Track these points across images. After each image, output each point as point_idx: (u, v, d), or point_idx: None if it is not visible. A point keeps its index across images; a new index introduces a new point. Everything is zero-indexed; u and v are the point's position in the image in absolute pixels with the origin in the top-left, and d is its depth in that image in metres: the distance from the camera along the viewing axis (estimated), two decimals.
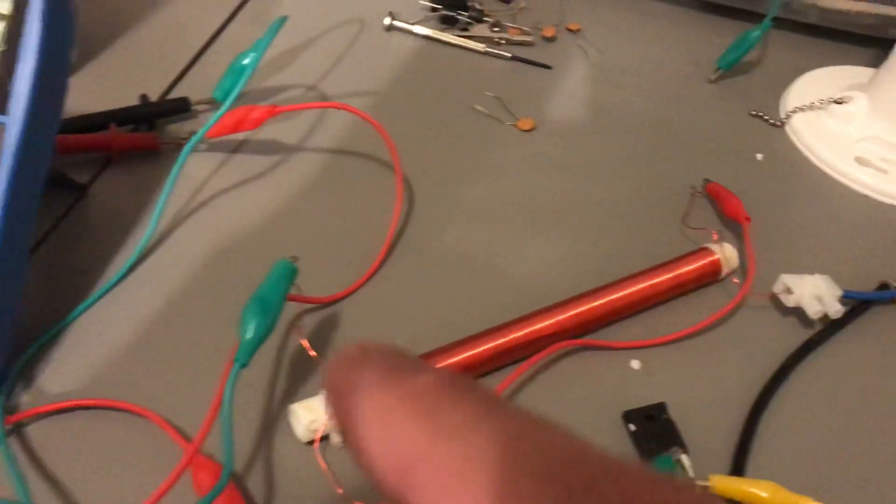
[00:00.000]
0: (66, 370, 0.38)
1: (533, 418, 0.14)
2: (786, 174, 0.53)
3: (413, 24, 0.59)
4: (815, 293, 0.43)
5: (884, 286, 0.45)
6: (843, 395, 0.41)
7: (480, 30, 0.60)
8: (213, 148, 0.49)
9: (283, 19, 0.46)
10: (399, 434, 0.13)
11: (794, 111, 0.56)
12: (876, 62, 0.56)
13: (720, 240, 0.45)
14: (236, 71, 0.48)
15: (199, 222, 0.45)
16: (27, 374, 0.38)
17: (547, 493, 0.12)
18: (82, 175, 0.46)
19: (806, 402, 0.41)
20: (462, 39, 0.59)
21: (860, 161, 0.53)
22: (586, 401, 0.40)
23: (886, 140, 0.53)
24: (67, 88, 0.38)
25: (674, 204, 0.49)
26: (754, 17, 0.62)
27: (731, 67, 0.59)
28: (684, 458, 0.37)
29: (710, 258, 0.44)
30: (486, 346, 0.40)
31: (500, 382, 0.39)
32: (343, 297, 0.42)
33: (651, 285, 0.43)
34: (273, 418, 0.37)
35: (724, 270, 0.45)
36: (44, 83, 0.35)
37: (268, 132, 0.49)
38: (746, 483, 0.36)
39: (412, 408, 0.14)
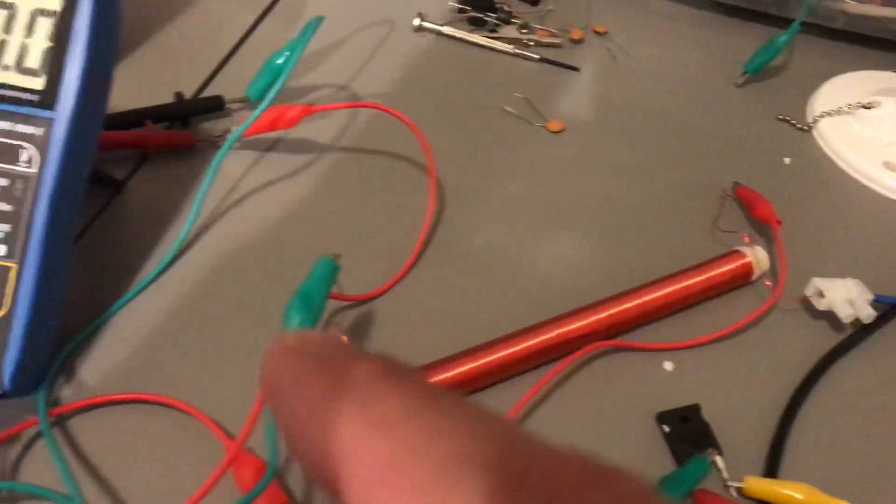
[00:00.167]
0: (105, 364, 0.39)
1: (467, 412, 0.13)
2: (813, 178, 0.53)
3: (442, 25, 0.60)
4: (847, 297, 0.43)
5: None
6: (875, 399, 0.41)
7: (508, 31, 0.60)
8: (246, 146, 0.49)
9: (320, 19, 0.46)
10: (327, 429, 0.13)
11: (821, 116, 0.56)
12: None
13: (751, 243, 0.46)
14: (271, 70, 0.49)
15: (235, 219, 0.45)
16: (67, 368, 0.38)
17: (473, 489, 0.11)
18: (118, 171, 0.47)
19: (838, 404, 0.41)
20: (490, 41, 0.59)
21: (888, 166, 0.53)
22: (620, 402, 0.40)
23: None
24: (112, 85, 0.38)
25: (703, 206, 0.50)
26: (781, 21, 0.62)
27: (758, 72, 0.59)
28: (718, 460, 0.38)
29: (742, 261, 0.45)
30: (520, 347, 0.40)
31: (534, 383, 0.39)
32: (378, 296, 0.43)
33: (683, 287, 0.43)
34: None
35: (756, 273, 0.45)
36: (91, 79, 0.35)
37: (300, 131, 0.50)
38: (781, 485, 0.37)
39: (341, 401, 0.13)
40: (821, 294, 0.44)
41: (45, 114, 0.34)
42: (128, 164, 0.47)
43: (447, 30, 0.59)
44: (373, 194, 0.48)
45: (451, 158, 0.50)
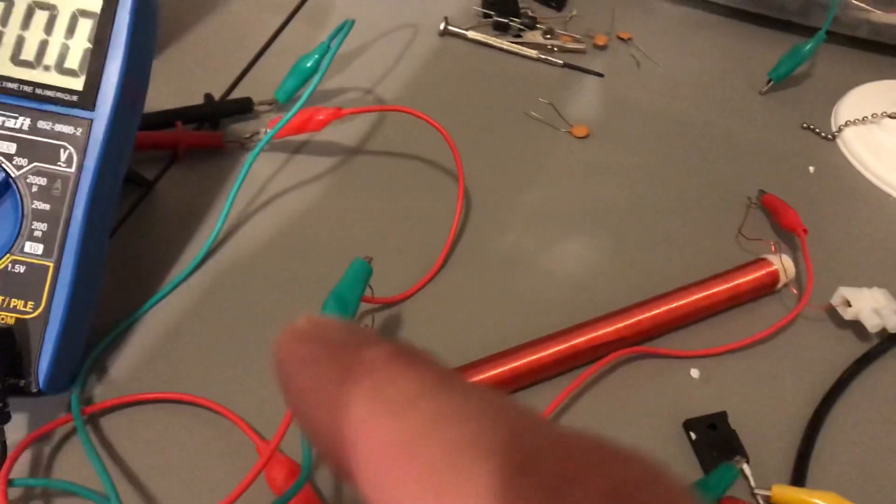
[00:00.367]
0: (136, 363, 0.39)
1: (479, 394, 0.13)
2: (838, 187, 0.53)
3: (467, 29, 0.60)
4: (874, 306, 0.43)
5: None
6: None
7: (533, 36, 0.60)
8: (274, 148, 0.49)
9: (351, 23, 0.47)
10: (338, 413, 0.13)
11: (845, 125, 0.56)
12: None
13: (777, 251, 0.46)
14: (300, 72, 0.49)
15: (264, 220, 0.46)
16: (98, 366, 0.39)
17: (482, 472, 0.11)
18: (149, 171, 0.47)
19: (865, 414, 0.41)
20: (515, 46, 0.59)
21: None
22: (646, 408, 0.40)
23: None
24: (148, 86, 0.38)
25: (727, 213, 0.50)
26: (804, 29, 0.63)
27: (782, 80, 0.59)
28: (746, 468, 0.38)
29: (769, 269, 0.45)
30: (547, 352, 0.40)
31: (562, 389, 0.39)
32: (405, 298, 0.43)
33: (710, 294, 0.44)
34: None
35: (782, 282, 0.45)
36: (130, 80, 0.35)
37: (327, 133, 0.50)
38: (808, 493, 0.37)
39: (352, 384, 0.13)
40: (847, 303, 0.44)
41: (85, 114, 0.35)
42: (158, 165, 0.48)
43: (472, 34, 0.60)
44: (400, 197, 0.48)
45: (476, 163, 0.50)
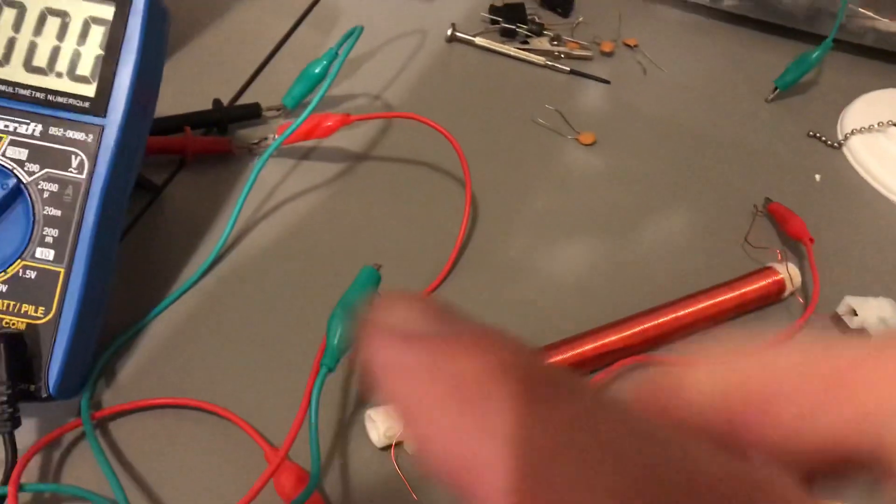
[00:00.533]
0: (144, 368, 0.39)
1: (600, 402, 0.12)
2: (844, 196, 0.53)
3: (474, 35, 0.60)
4: (880, 316, 0.43)
5: None
6: None
7: (540, 43, 0.61)
8: (281, 153, 0.49)
9: (360, 30, 0.47)
10: (457, 434, 0.12)
11: (852, 133, 0.56)
12: None
13: (783, 259, 0.46)
14: (308, 78, 0.49)
15: (273, 225, 0.46)
16: (107, 372, 0.39)
17: (609, 483, 0.11)
18: (157, 176, 0.47)
19: None
20: (522, 52, 0.60)
21: None
22: None
23: None
24: (159, 92, 0.38)
25: (734, 221, 0.50)
26: (811, 37, 0.63)
27: (789, 88, 0.59)
28: None
29: (775, 277, 0.45)
30: (554, 360, 0.40)
31: None
32: None
33: (717, 303, 0.44)
34: (349, 423, 0.38)
35: (788, 290, 0.45)
36: (141, 87, 0.36)
37: (335, 139, 0.50)
38: None
39: (468, 406, 0.12)
40: (853, 312, 0.44)
41: (96, 120, 0.35)
42: (166, 170, 0.48)
43: (479, 41, 0.60)
44: (407, 203, 0.48)
45: (483, 169, 0.50)
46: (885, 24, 0.61)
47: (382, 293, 0.14)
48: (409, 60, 0.58)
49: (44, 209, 0.35)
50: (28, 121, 0.35)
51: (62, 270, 0.35)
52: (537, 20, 0.62)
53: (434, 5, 0.63)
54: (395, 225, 0.47)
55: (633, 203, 0.51)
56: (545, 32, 0.61)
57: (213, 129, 0.50)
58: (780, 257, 0.46)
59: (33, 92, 0.35)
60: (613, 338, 0.42)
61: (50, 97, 0.35)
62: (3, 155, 0.35)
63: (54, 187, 0.35)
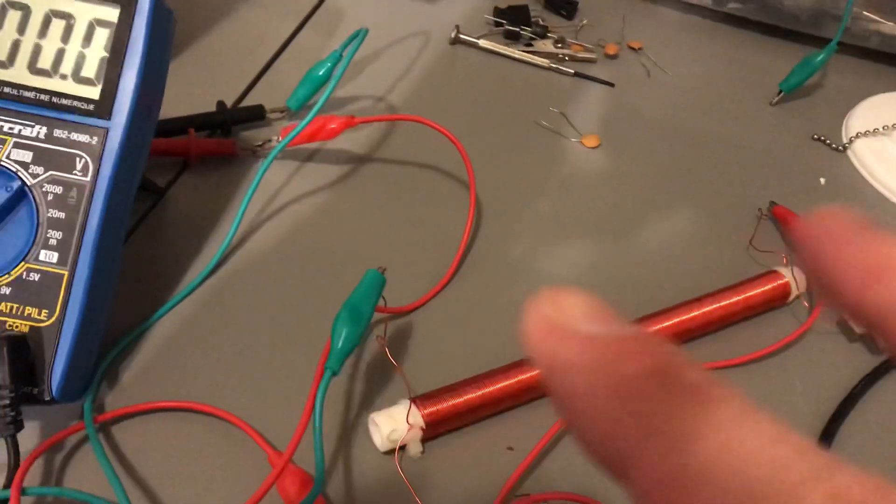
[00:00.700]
0: (147, 371, 0.39)
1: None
2: (849, 199, 0.53)
3: (478, 38, 0.60)
4: None
5: None
6: None
7: (544, 45, 0.61)
8: (285, 155, 0.49)
9: (364, 32, 0.47)
10: (612, 429, 0.12)
11: (856, 136, 0.56)
12: None
13: (789, 263, 0.46)
14: (312, 80, 0.49)
15: (276, 228, 0.46)
16: (110, 374, 0.39)
17: None
18: (161, 178, 0.47)
19: (876, 428, 0.41)
20: (526, 55, 0.59)
21: None
22: None
23: None
24: (163, 94, 0.38)
25: (738, 224, 0.50)
26: (816, 40, 0.63)
27: (793, 91, 0.59)
28: None
29: (780, 281, 0.45)
30: None
31: None
32: (417, 308, 0.43)
33: (722, 307, 0.44)
34: (352, 427, 0.38)
35: (793, 294, 0.45)
36: (146, 89, 0.36)
37: (339, 141, 0.50)
38: None
39: (619, 401, 0.12)
40: None
41: (101, 123, 0.35)
42: (170, 171, 0.48)
43: (483, 43, 0.60)
44: (411, 206, 0.48)
45: (487, 171, 0.50)
46: (890, 27, 0.61)
47: (548, 288, 0.14)
48: (413, 63, 0.58)
49: (48, 212, 0.34)
50: (32, 123, 0.35)
51: (66, 273, 0.34)
52: (541, 22, 0.62)
53: (438, 7, 0.63)
54: (399, 227, 0.47)
55: (637, 206, 0.51)
56: (549, 35, 0.61)
57: (217, 131, 0.50)
58: (785, 261, 0.46)
59: (38, 94, 0.35)
60: None
61: (54, 99, 0.35)
62: (8, 157, 0.34)
63: (58, 190, 0.35)
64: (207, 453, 0.36)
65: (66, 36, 0.35)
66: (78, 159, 0.35)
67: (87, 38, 0.35)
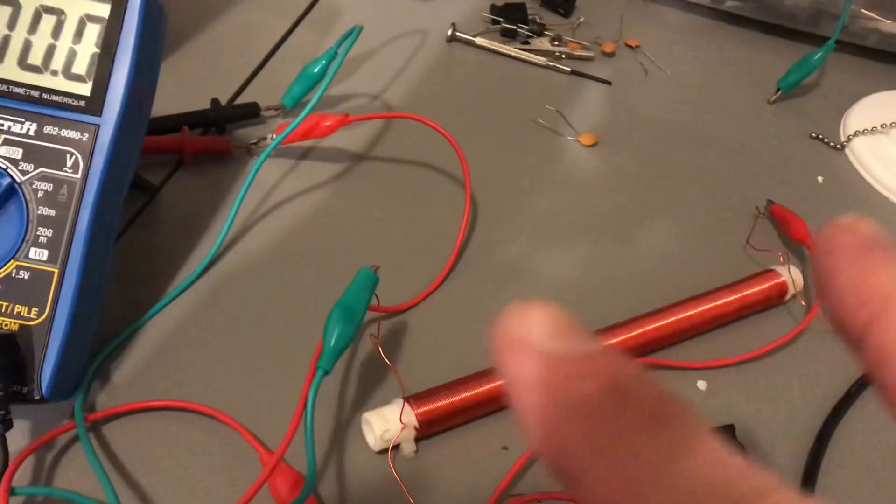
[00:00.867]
0: (139, 370, 0.39)
1: None
2: (847, 198, 0.53)
3: (474, 35, 0.60)
4: None
5: None
6: None
7: (541, 43, 0.60)
8: (279, 153, 0.49)
9: (359, 30, 0.46)
10: (571, 446, 0.12)
11: (854, 134, 0.56)
12: None
13: (786, 262, 0.45)
14: (307, 78, 0.49)
15: (270, 226, 0.46)
16: (101, 373, 0.38)
17: None
18: (154, 176, 0.47)
19: (873, 427, 0.40)
20: (523, 52, 0.59)
21: None
22: None
23: None
24: (155, 91, 0.38)
25: (735, 223, 0.49)
26: (814, 39, 0.62)
27: (791, 89, 0.59)
28: None
29: (777, 280, 0.44)
30: None
31: None
32: (412, 307, 0.43)
33: (718, 306, 0.43)
34: (344, 426, 0.38)
35: (790, 293, 0.45)
36: (137, 86, 0.35)
37: (334, 139, 0.50)
38: None
39: (579, 419, 0.12)
40: None
41: (91, 119, 0.35)
42: (163, 169, 0.47)
43: (480, 41, 0.59)
44: (406, 204, 0.48)
45: (482, 170, 0.50)
46: (888, 25, 0.61)
47: (517, 303, 0.14)
48: (409, 60, 0.58)
49: (38, 209, 0.34)
50: (22, 119, 0.34)
51: (56, 271, 0.34)
52: (538, 20, 0.62)
53: (434, 5, 0.63)
54: (394, 226, 0.47)
55: (633, 204, 0.50)
56: (546, 33, 0.61)
57: (211, 128, 0.50)
58: (782, 260, 0.45)
59: (28, 90, 0.35)
60: (613, 341, 0.41)
61: (45, 96, 0.35)
62: None
63: (49, 187, 0.34)
64: (199, 452, 0.36)
65: (57, 32, 0.35)
66: (68, 156, 0.34)
67: (78, 34, 0.35)
